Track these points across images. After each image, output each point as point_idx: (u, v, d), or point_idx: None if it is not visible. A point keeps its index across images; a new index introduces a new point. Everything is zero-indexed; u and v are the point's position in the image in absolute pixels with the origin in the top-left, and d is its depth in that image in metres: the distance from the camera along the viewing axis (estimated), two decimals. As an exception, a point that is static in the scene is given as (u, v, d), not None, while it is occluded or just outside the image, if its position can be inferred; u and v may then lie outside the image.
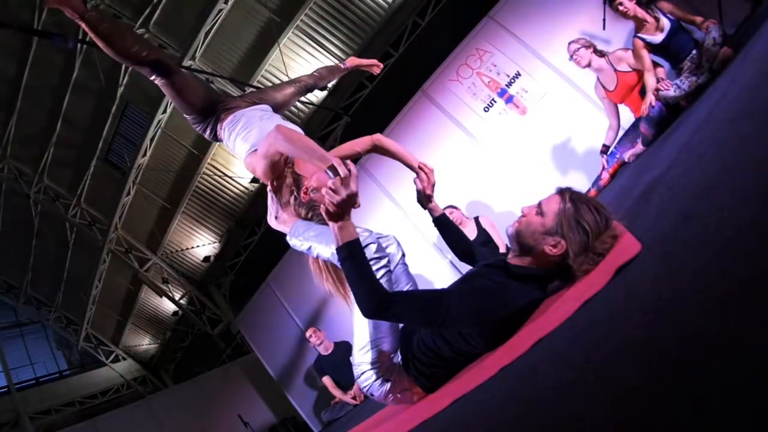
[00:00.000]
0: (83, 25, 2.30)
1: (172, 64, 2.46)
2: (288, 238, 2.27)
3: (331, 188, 1.64)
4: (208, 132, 2.57)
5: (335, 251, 1.75)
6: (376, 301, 1.64)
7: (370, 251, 1.95)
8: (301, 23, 9.35)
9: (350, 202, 1.66)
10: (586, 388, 0.83)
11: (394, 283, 2.06)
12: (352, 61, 3.25)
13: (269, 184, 2.34)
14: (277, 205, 2.34)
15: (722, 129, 1.73)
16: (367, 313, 1.68)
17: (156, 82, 2.43)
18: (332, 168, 1.68)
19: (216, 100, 2.56)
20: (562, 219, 1.59)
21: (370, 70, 3.32)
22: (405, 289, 2.11)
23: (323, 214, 1.69)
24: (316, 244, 2.15)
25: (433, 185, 2.36)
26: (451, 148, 5.54)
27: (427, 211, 2.42)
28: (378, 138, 2.48)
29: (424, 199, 2.37)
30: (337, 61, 9.70)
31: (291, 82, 2.93)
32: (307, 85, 2.95)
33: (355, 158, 2.44)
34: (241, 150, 2.40)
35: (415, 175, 2.41)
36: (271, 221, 2.38)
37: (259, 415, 8.15)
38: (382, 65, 3.33)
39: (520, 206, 1.93)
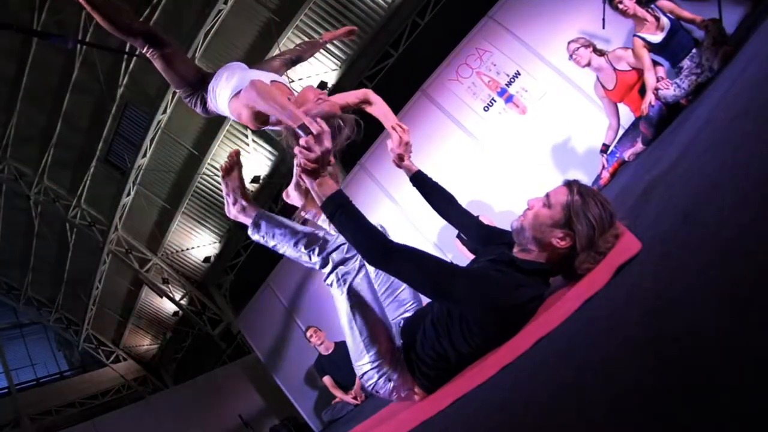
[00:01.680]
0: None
1: (164, 36, 2.48)
2: (250, 232, 2.23)
3: (303, 147, 1.65)
4: (199, 106, 2.58)
5: (323, 207, 1.71)
6: (383, 244, 1.62)
7: (343, 251, 1.97)
8: (300, 23, 9.35)
9: (325, 158, 1.66)
10: (586, 387, 0.83)
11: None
12: (329, 35, 3.31)
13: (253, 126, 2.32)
14: (232, 193, 2.30)
15: (723, 128, 1.73)
16: (374, 259, 1.64)
17: (148, 54, 2.44)
18: (303, 127, 1.70)
19: (206, 73, 2.60)
20: (570, 211, 1.58)
21: (348, 38, 3.39)
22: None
23: (300, 174, 1.70)
24: (280, 243, 2.12)
25: (407, 144, 2.33)
26: (451, 148, 5.55)
27: (404, 172, 2.40)
28: (370, 93, 2.50)
29: (397, 158, 2.35)
30: (336, 61, 9.77)
31: (276, 56, 2.96)
32: (292, 58, 2.97)
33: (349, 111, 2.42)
34: (224, 98, 2.35)
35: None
36: (230, 211, 2.34)
37: (259, 416, 8.15)
38: (357, 28, 3.39)
39: (519, 206, 1.93)
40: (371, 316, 1.86)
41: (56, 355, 13.79)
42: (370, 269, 2.02)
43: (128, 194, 10.79)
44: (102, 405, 12.37)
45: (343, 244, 1.96)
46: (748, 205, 0.95)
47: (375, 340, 1.85)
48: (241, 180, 2.34)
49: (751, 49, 2.82)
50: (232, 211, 2.30)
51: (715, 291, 0.78)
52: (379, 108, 2.46)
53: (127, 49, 8.66)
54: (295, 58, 2.99)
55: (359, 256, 1.92)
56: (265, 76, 2.38)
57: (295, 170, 2.33)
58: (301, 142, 1.66)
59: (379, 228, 1.76)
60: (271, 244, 2.15)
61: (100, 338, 13.28)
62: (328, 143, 1.66)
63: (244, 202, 2.28)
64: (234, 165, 2.34)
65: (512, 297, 1.55)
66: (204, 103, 2.56)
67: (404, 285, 2.09)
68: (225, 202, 2.35)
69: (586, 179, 4.65)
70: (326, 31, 9.36)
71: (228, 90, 2.34)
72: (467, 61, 5.59)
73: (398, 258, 1.61)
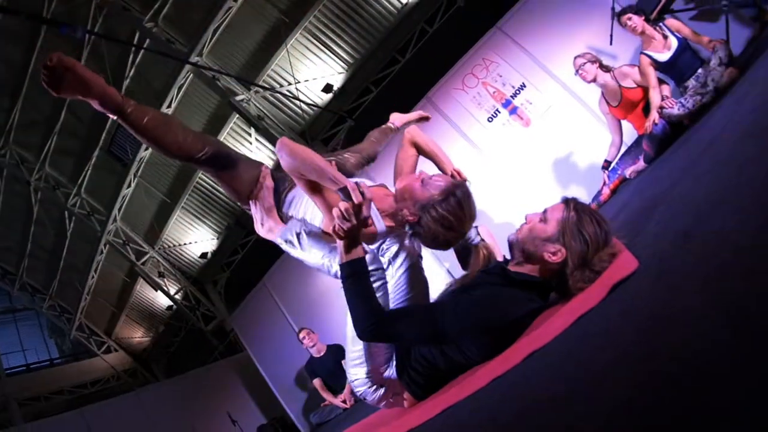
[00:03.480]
0: (120, 122, 1.99)
1: (232, 152, 2.27)
2: (279, 241, 2.15)
3: (342, 213, 1.62)
4: (268, 221, 2.29)
5: (340, 267, 1.72)
6: (372, 324, 1.64)
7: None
8: (309, 25, 9.36)
9: (361, 227, 1.66)
10: (578, 402, 0.83)
11: (395, 294, 2.01)
12: (401, 120, 2.85)
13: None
14: (261, 212, 2.23)
15: (726, 149, 1.73)
16: (361, 336, 1.67)
17: (215, 179, 2.23)
18: (345, 191, 1.66)
19: (277, 183, 2.30)
20: (565, 227, 1.59)
21: (419, 123, 2.95)
22: (405, 299, 2.04)
23: (333, 233, 1.68)
24: (309, 250, 2.05)
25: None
26: (454, 157, 5.50)
27: None
28: (416, 135, 2.42)
29: None
30: (343, 65, 9.78)
31: (347, 151, 2.50)
32: (368, 155, 2.51)
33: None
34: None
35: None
36: (259, 231, 2.27)
37: (248, 414, 8.11)
38: (430, 116, 3.05)
39: (519, 218, 1.92)
40: None
41: (47, 342, 13.76)
42: (390, 284, 2.01)
43: (128, 186, 10.78)
44: (91, 394, 12.32)
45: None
46: (750, 226, 0.95)
47: (376, 354, 1.86)
48: (272, 200, 2.25)
49: (757, 71, 2.83)
50: (262, 231, 2.25)
51: (713, 312, 0.78)
52: (432, 147, 2.41)
53: (135, 44, 8.69)
54: (372, 154, 2.54)
55: (383, 274, 1.93)
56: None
57: (256, 212, 2.24)
58: (341, 206, 1.62)
59: (380, 306, 1.72)
60: (302, 256, 2.10)
61: (92, 328, 13.24)
62: (366, 212, 1.65)
63: (272, 223, 2.21)
64: (262, 184, 2.24)
65: (501, 319, 1.56)
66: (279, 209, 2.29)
67: (409, 297, 2.06)
68: (254, 219, 2.28)
69: (587, 195, 4.66)
70: (335, 35, 9.44)
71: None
72: (473, 71, 5.60)
73: (389, 329, 1.66)
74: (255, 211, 2.24)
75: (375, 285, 1.83)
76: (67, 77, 1.85)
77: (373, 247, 1.98)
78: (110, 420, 7.37)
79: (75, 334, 13.03)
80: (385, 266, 2.02)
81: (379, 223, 1.82)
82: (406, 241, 2.05)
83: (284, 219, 2.24)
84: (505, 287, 1.65)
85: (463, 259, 2.14)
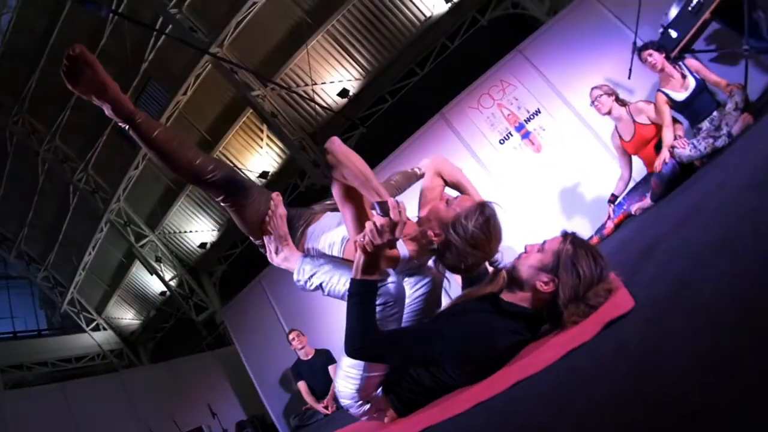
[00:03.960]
0: (130, 131, 1.94)
1: (243, 178, 2.21)
2: (296, 280, 2.06)
3: (376, 228, 1.60)
4: (279, 255, 2.19)
5: (351, 283, 1.69)
6: (364, 346, 1.63)
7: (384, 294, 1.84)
8: (332, 28, 9.42)
9: (389, 246, 1.64)
10: (560, 435, 0.82)
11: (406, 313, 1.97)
12: (425, 165, 2.56)
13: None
14: (275, 242, 2.14)
15: (731, 197, 1.73)
16: (350, 353, 1.66)
17: (224, 205, 2.15)
18: (384, 205, 1.62)
19: (291, 218, 2.23)
20: (559, 258, 1.60)
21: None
22: (413, 320, 2.01)
23: (358, 246, 1.64)
24: (329, 278, 1.95)
25: None
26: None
27: None
28: (440, 165, 2.33)
29: None
30: (361, 71, 9.82)
31: None
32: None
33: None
34: (337, 236, 2.10)
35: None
36: (273, 260, 2.19)
37: (228, 409, 8.07)
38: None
39: (520, 243, 1.87)
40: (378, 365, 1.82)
41: (37, 312, 13.74)
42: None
43: (136, 168, 10.82)
44: (74, 370, 12.30)
45: (383, 285, 1.83)
46: (747, 277, 0.94)
47: (371, 379, 1.82)
48: (286, 228, 2.17)
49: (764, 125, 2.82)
50: (276, 260, 2.16)
51: (701, 361, 0.77)
52: (460, 179, 2.30)
53: (157, 28, 8.74)
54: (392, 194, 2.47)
55: (398, 303, 1.86)
56: None
57: (269, 242, 2.17)
58: (376, 220, 1.60)
59: (377, 329, 1.68)
60: (317, 281, 2.00)
61: (83, 304, 13.24)
62: (398, 234, 1.63)
63: (288, 252, 2.13)
64: (275, 212, 2.17)
65: (488, 349, 1.56)
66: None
67: (417, 319, 2.05)
68: (267, 249, 2.20)
69: (591, 226, 4.65)
70: (356, 41, 9.48)
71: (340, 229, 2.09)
72: (490, 91, 5.61)
73: (378, 350, 1.66)
74: (268, 241, 2.16)
75: (389, 314, 1.79)
76: (86, 73, 1.84)
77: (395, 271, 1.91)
78: (90, 398, 7.33)
79: (66, 308, 13.04)
80: (410, 284, 1.99)
81: (402, 249, 1.79)
82: (431, 264, 2.00)
83: (300, 249, 2.18)
84: (496, 317, 1.65)
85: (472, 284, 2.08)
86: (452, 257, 1.78)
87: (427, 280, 2.03)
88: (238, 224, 2.23)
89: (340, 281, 1.92)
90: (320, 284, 1.98)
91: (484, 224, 1.76)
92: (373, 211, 1.68)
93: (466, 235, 1.74)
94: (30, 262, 13.03)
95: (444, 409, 1.45)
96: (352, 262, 1.90)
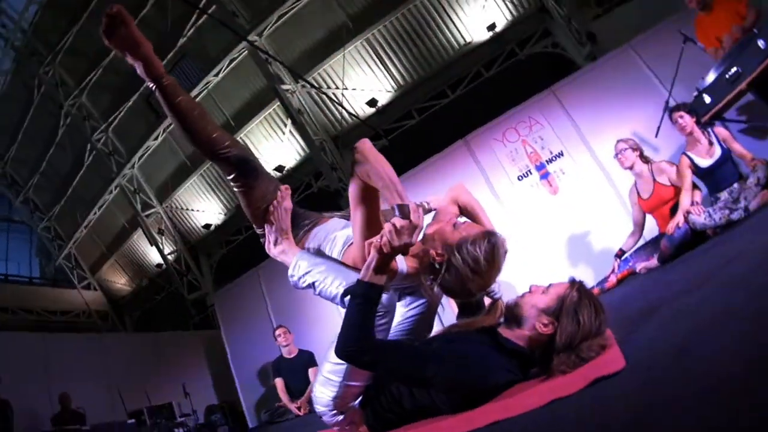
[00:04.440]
0: (156, 92, 2.00)
1: (256, 162, 2.22)
2: (290, 275, 2.05)
3: (396, 228, 1.60)
4: (275, 247, 2.20)
5: (357, 283, 1.68)
6: (358, 349, 1.61)
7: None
8: (371, 36, 9.50)
9: (404, 250, 1.64)
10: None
11: (396, 331, 1.96)
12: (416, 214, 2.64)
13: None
14: (275, 232, 2.15)
15: (740, 273, 1.71)
16: (340, 354, 1.64)
17: (232, 183, 2.16)
18: (406, 208, 1.62)
19: (293, 217, 2.24)
20: (563, 303, 1.59)
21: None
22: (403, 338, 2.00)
23: (373, 248, 1.63)
24: (322, 278, 1.93)
25: None
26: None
27: None
28: (461, 194, 2.29)
29: None
30: (393, 84, 9.87)
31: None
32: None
33: None
34: (339, 242, 2.09)
35: None
36: (270, 251, 2.19)
37: (201, 391, 8.04)
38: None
39: (521, 279, 1.88)
40: (360, 373, 1.80)
41: (32, 260, 13.82)
42: (396, 320, 1.97)
43: (156, 138, 10.92)
44: (58, 323, 12.35)
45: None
46: (742, 358, 0.93)
47: (350, 388, 1.81)
48: (288, 222, 2.18)
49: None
50: (273, 251, 2.17)
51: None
52: (477, 211, 2.24)
53: (200, 7, 8.84)
54: None
55: (388, 314, 1.87)
56: None
57: (270, 232, 2.17)
58: (397, 222, 1.60)
59: (373, 335, 1.67)
60: (310, 280, 1.98)
61: (79, 260, 13.31)
62: (415, 238, 1.63)
63: (287, 245, 2.14)
64: (280, 204, 2.17)
65: (480, 383, 1.54)
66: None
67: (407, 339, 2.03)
68: (265, 239, 2.20)
69: (594, 277, 4.62)
70: (393, 54, 9.54)
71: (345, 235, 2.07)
72: (517, 126, 5.61)
73: (372, 359, 1.62)
74: (268, 231, 2.17)
75: (378, 323, 1.77)
76: (121, 30, 1.92)
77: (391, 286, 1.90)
78: (68, 353, 7.34)
79: (61, 262, 13.12)
80: (404, 303, 1.98)
81: (401, 263, 1.78)
82: (428, 285, 1.96)
83: (300, 247, 2.17)
84: (494, 351, 1.64)
85: (468, 314, 2.04)
86: (451, 280, 1.75)
87: (422, 301, 2.01)
88: (243, 207, 2.23)
89: (333, 283, 1.90)
90: (313, 283, 1.96)
91: (488, 252, 1.74)
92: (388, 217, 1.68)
93: (468, 260, 1.72)
94: (35, 210, 13.12)
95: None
96: (349, 266, 1.92)
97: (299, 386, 5.41)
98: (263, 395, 6.50)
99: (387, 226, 1.61)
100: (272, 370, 5.77)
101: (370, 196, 1.84)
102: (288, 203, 2.18)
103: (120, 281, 13.70)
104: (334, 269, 1.94)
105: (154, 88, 1.99)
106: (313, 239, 2.16)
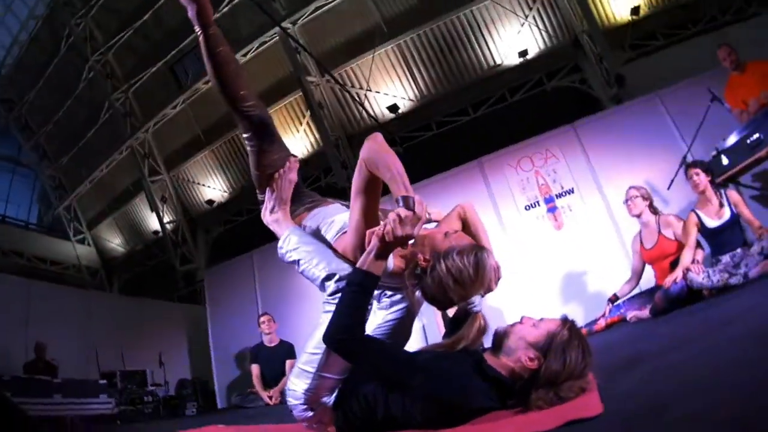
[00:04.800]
0: (200, 37, 2.03)
1: (274, 128, 2.25)
2: (279, 246, 2.07)
3: (399, 217, 1.61)
4: (269, 215, 2.21)
5: (354, 271, 1.69)
6: (347, 338, 1.62)
7: None
8: (403, 43, 9.52)
9: (403, 241, 1.65)
10: None
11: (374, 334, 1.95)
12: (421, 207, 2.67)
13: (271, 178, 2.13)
14: (275, 200, 2.16)
15: (729, 339, 1.70)
16: (328, 340, 1.64)
17: (247, 142, 2.19)
18: (410, 200, 1.64)
19: (297, 193, 2.27)
20: (552, 340, 1.58)
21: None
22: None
23: (374, 238, 1.64)
24: (308, 258, 1.95)
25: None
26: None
27: None
28: (468, 211, 2.23)
29: None
30: (416, 93, 9.89)
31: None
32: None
33: None
34: (335, 228, 2.08)
35: None
36: (265, 217, 2.19)
37: (176, 365, 8.04)
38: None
39: (510, 307, 1.86)
40: (336, 365, 1.79)
41: (32, 206, 13.81)
42: (373, 322, 1.97)
43: (174, 107, 10.95)
44: (46, 271, 12.35)
45: None
46: (720, 419, 0.92)
47: (324, 380, 1.81)
48: (289, 193, 2.19)
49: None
50: (268, 218, 2.18)
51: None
52: (479, 231, 2.16)
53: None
54: None
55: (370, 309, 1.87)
56: None
57: (269, 199, 2.18)
58: (401, 212, 1.61)
59: (364, 327, 1.68)
60: (296, 257, 1.99)
61: (78, 214, 13.33)
62: (417, 230, 1.64)
63: (282, 215, 2.16)
64: (286, 174, 2.19)
65: (459, 404, 1.54)
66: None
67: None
68: (263, 206, 2.21)
69: (583, 317, 4.61)
70: (421, 64, 9.56)
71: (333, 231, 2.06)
72: (533, 156, 5.62)
73: (359, 350, 1.63)
74: (268, 197, 2.19)
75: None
76: None
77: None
78: (52, 303, 7.32)
79: (61, 212, 13.16)
80: (384, 306, 1.98)
81: (390, 261, 1.79)
82: (411, 291, 1.98)
83: (296, 223, 2.18)
84: (476, 375, 1.63)
85: (452, 328, 2.04)
86: (433, 286, 1.76)
87: (403, 305, 2.01)
88: (251, 167, 2.24)
89: (317, 265, 1.91)
90: (298, 260, 1.98)
91: (473, 265, 1.73)
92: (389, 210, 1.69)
93: (452, 269, 1.72)
94: (43, 157, 13.17)
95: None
96: (338, 253, 1.93)
97: (275, 376, 5.39)
98: (237, 379, 6.49)
99: (391, 215, 1.62)
100: (250, 356, 5.76)
101: (372, 188, 1.85)
102: (293, 175, 2.21)
103: (115, 241, 13.70)
104: (321, 252, 1.95)
105: (200, 33, 2.04)
106: (311, 218, 2.17)
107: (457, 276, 1.72)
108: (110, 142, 11.80)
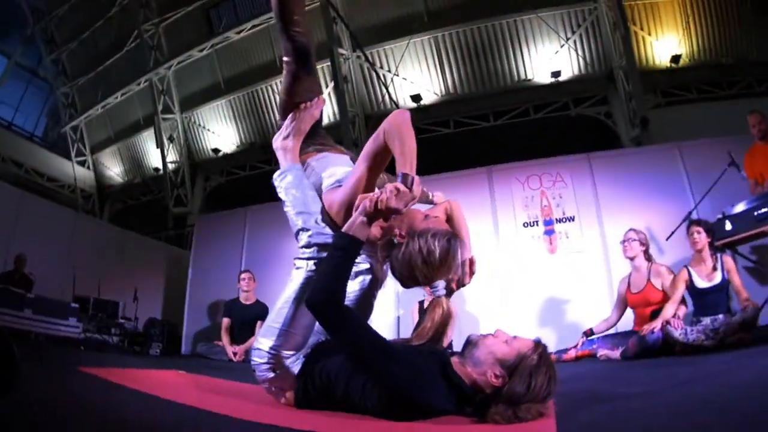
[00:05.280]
0: None
1: (315, 66, 2.34)
2: (275, 177, 2.14)
3: (397, 190, 1.65)
4: (280, 140, 2.26)
5: (339, 235, 1.73)
6: (330, 301, 1.63)
7: None
8: (440, 37, 9.47)
9: (392, 214, 1.70)
10: None
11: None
12: (439, 199, 2.71)
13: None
14: (292, 128, 2.21)
15: (693, 397, 1.72)
16: (311, 300, 1.66)
17: (285, 61, 2.24)
18: (409, 178, 1.69)
19: (314, 131, 2.31)
20: (521, 363, 1.58)
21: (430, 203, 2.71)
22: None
23: (367, 202, 1.68)
24: (293, 203, 2.03)
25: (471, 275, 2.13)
26: (471, 230, 5.48)
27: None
28: (455, 208, 2.30)
29: (447, 288, 2.14)
30: (442, 89, 9.86)
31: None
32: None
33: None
34: (330, 173, 2.14)
35: None
36: (276, 141, 2.24)
37: (149, 303, 8.04)
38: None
39: (487, 318, 1.85)
40: (302, 320, 1.85)
41: (41, 119, 13.73)
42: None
43: (201, 51, 10.89)
44: (41, 186, 12.35)
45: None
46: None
47: (289, 336, 1.85)
48: (307, 127, 2.25)
49: (760, 356, 2.81)
50: (278, 143, 2.22)
51: None
52: (462, 229, 2.22)
53: None
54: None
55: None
56: None
57: (288, 125, 2.22)
58: (399, 186, 1.66)
59: (344, 294, 1.71)
60: (284, 196, 2.08)
61: (84, 135, 13.29)
62: (407, 207, 1.69)
63: (292, 145, 2.19)
64: (310, 108, 2.24)
65: (419, 400, 1.55)
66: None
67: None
68: (278, 130, 2.26)
69: (555, 344, 4.64)
70: (453, 61, 9.51)
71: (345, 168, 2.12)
72: (542, 176, 5.62)
73: (340, 317, 1.65)
74: (286, 124, 2.23)
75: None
76: None
77: None
78: (40, 218, 7.27)
79: (67, 130, 13.11)
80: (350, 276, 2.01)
81: (374, 228, 1.81)
82: (379, 263, 2.03)
83: (303, 157, 2.25)
84: (441, 378, 1.64)
85: (422, 317, 2.08)
86: (402, 261, 1.80)
87: (368, 276, 2.04)
88: (282, 91, 2.30)
89: (297, 215, 2.00)
90: (287, 198, 2.06)
91: (444, 249, 1.77)
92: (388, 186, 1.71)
93: (423, 249, 1.75)
94: (62, 72, 13.08)
95: (337, 425, 1.45)
96: (323, 207, 1.99)
97: (243, 334, 5.43)
98: (206, 329, 6.52)
99: (389, 186, 1.66)
100: (224, 309, 5.80)
101: (381, 158, 1.89)
102: (316, 112, 2.27)
103: (114, 170, 13.68)
104: (306, 202, 2.01)
105: None
106: (317, 160, 2.21)
107: (426, 256, 1.76)
108: (131, 72, 11.74)
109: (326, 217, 1.99)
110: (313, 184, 2.11)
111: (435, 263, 1.76)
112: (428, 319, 1.92)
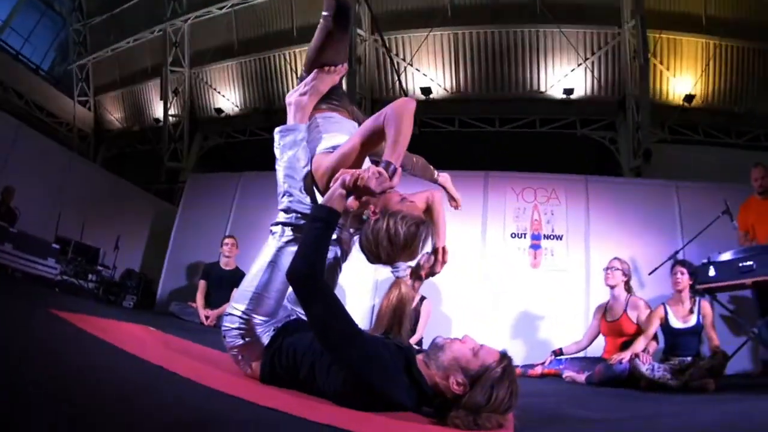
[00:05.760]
0: None
1: (350, 28, 2.35)
2: (277, 130, 2.15)
3: (378, 173, 1.69)
4: (295, 96, 2.26)
5: (318, 207, 1.76)
6: (309, 274, 1.64)
7: None
8: (461, 34, 9.42)
9: (366, 194, 1.73)
10: None
11: None
12: (445, 181, 2.85)
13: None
14: (311, 87, 2.22)
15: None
16: (291, 272, 1.66)
17: (323, 16, 2.21)
18: (390, 167, 1.74)
19: (331, 92, 2.32)
20: (484, 374, 1.58)
21: (450, 203, 2.86)
22: None
23: (347, 177, 1.71)
24: (283, 164, 2.07)
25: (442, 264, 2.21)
26: (456, 235, 5.37)
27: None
28: (437, 200, 2.32)
29: (424, 273, 2.21)
30: (453, 86, 9.82)
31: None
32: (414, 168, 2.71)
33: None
34: (329, 136, 2.19)
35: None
36: (291, 96, 2.24)
37: (130, 252, 8.02)
38: (461, 206, 2.90)
39: (460, 322, 1.86)
40: (276, 284, 1.88)
41: (49, 53, 13.49)
42: None
43: (221, 8, 10.75)
44: (39, 120, 12.16)
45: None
46: None
47: (262, 300, 1.87)
48: (326, 89, 2.27)
49: (725, 404, 2.85)
50: (293, 97, 2.23)
51: None
52: (439, 220, 2.28)
53: None
54: (413, 170, 2.69)
55: None
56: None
57: (308, 83, 2.23)
58: (381, 170, 1.71)
59: (323, 268, 1.74)
60: (278, 154, 2.11)
61: (89, 76, 13.11)
62: (382, 192, 1.73)
63: (307, 101, 2.21)
64: (331, 72, 2.26)
65: (381, 389, 1.56)
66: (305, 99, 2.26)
67: None
68: (296, 85, 2.28)
69: (523, 357, 4.70)
70: (470, 61, 9.47)
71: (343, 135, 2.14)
72: (537, 190, 5.64)
73: (317, 293, 1.64)
74: (308, 80, 2.23)
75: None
76: None
77: None
78: (34, 152, 7.14)
79: (74, 68, 12.92)
80: None
81: (351, 200, 1.81)
82: (347, 236, 2.08)
83: (314, 111, 2.27)
84: (404, 374, 1.65)
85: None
86: (369, 237, 1.81)
87: (334, 248, 2.08)
88: (311, 48, 2.27)
89: (284, 179, 2.06)
90: (281, 156, 2.10)
91: (411, 233, 1.78)
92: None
93: (391, 229, 1.77)
94: (77, 8, 12.85)
95: (300, 405, 1.45)
96: (308, 174, 2.04)
97: (219, 299, 5.40)
98: (182, 289, 6.49)
99: (373, 168, 1.70)
100: (202, 271, 5.77)
101: (374, 138, 1.93)
102: (336, 78, 2.30)
103: (115, 114, 13.53)
104: (295, 168, 2.06)
105: None
106: (325, 118, 2.25)
107: (392, 236, 1.77)
108: (146, 19, 11.57)
109: (310, 178, 2.04)
110: (312, 141, 2.15)
111: (399, 244, 1.78)
112: (384, 299, 1.95)
